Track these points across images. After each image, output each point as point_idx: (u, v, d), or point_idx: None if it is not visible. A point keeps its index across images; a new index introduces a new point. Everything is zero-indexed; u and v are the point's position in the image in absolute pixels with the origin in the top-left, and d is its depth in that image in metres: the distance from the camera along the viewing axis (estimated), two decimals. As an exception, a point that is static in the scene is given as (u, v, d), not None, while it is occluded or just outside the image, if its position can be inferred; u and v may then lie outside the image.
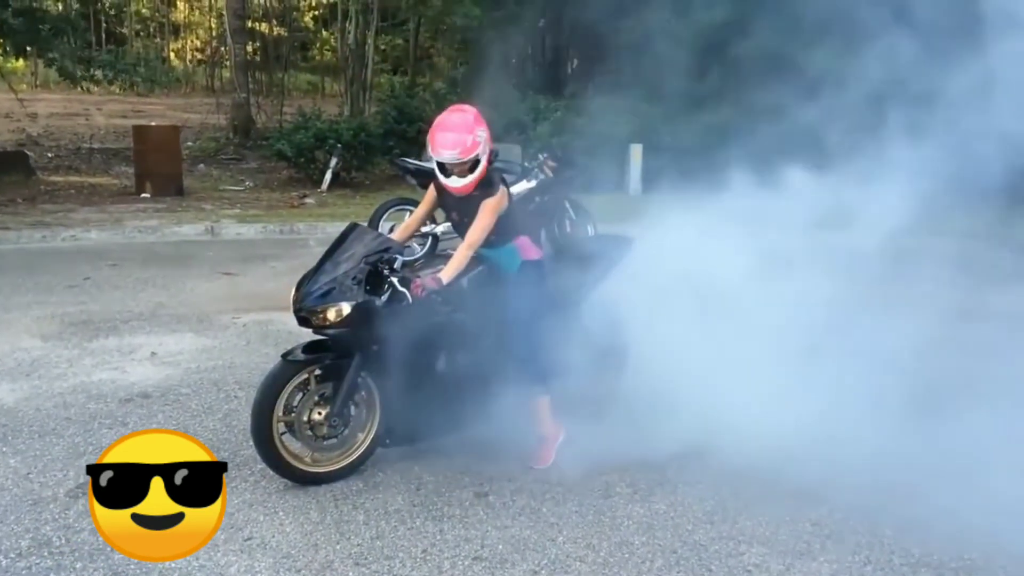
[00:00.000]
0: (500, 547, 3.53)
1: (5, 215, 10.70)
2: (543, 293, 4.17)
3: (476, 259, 4.11)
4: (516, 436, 4.30)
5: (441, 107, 16.14)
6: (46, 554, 3.36)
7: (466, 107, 4.02)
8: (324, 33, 32.78)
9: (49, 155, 17.51)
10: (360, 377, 3.91)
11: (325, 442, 3.94)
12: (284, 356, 3.89)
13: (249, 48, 31.94)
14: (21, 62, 24.53)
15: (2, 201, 11.71)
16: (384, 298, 3.79)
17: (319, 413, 3.87)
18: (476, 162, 3.82)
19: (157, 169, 12.59)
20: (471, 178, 3.84)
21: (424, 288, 3.74)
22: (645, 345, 4.75)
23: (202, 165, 16.44)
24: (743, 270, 4.80)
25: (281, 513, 3.76)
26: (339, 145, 13.73)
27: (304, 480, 3.95)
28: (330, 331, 3.80)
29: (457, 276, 3.92)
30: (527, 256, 4.17)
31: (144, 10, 37.04)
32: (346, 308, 3.73)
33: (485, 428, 4.26)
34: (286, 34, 31.38)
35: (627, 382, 4.73)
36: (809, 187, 5.17)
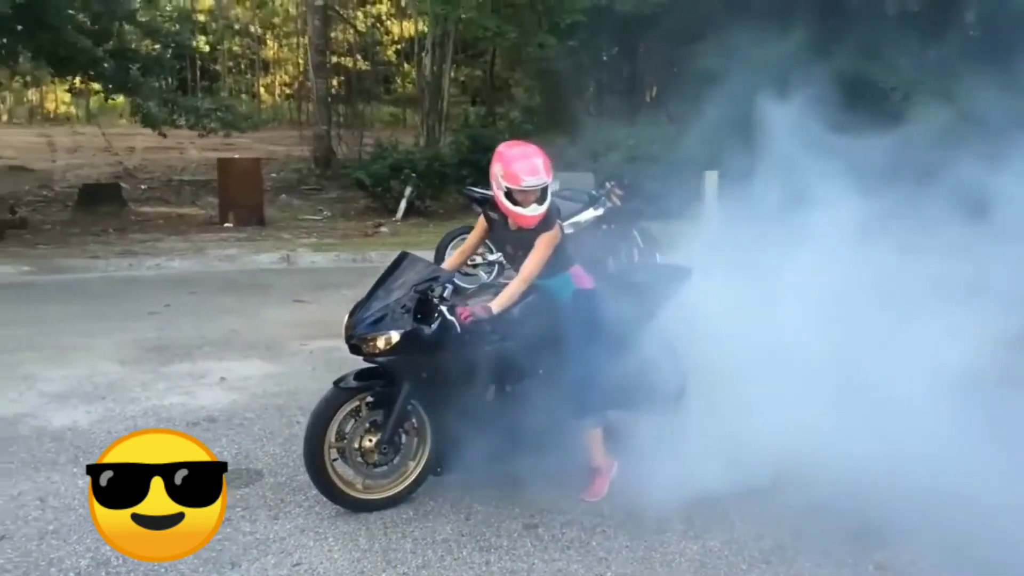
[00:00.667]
0: (546, 581, 3.48)
1: (96, 244, 11.22)
2: (596, 322, 4.13)
3: (528, 288, 4.11)
4: (569, 467, 4.25)
5: (515, 136, 16.26)
6: (103, 574, 3.46)
7: (530, 145, 4.07)
8: (406, 66, 33.58)
9: (142, 187, 18.31)
10: (410, 405, 3.93)
11: (376, 469, 3.96)
12: (336, 383, 3.94)
13: (334, 82, 33.10)
14: (122, 98, 25.68)
15: (95, 231, 12.30)
16: (434, 326, 3.81)
17: (370, 440, 3.90)
18: (545, 189, 3.85)
19: (240, 200, 13.04)
20: (544, 207, 3.87)
21: (473, 316, 3.75)
22: (708, 377, 4.65)
23: (284, 195, 16.96)
24: (811, 300, 4.67)
25: (331, 539, 3.78)
26: (414, 175, 13.99)
27: (355, 507, 3.98)
28: (380, 359, 3.84)
29: (508, 306, 3.94)
30: (580, 285, 4.15)
31: (236, 48, 38.66)
32: (395, 336, 3.76)
33: (538, 459, 4.21)
34: (368, 68, 32.37)
35: (687, 415, 4.61)
36: (885, 216, 5.02)
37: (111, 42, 11.61)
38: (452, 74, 20.22)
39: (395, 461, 3.99)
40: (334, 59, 34.41)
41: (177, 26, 15.73)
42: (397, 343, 3.76)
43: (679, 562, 3.64)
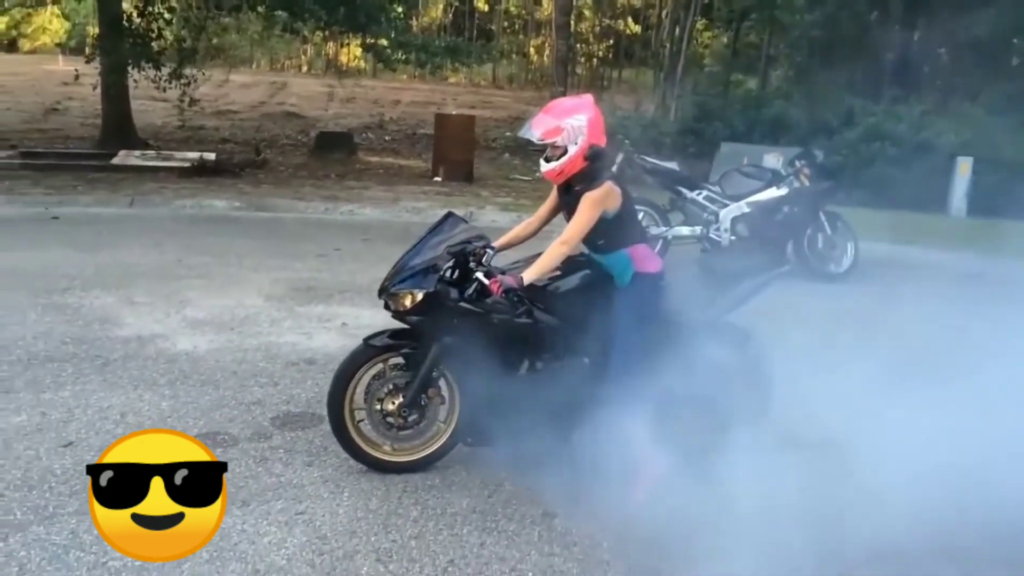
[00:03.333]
0: (529, 574, 3.23)
1: (311, 187, 12.00)
2: (653, 309, 3.77)
3: (583, 263, 3.83)
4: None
5: (749, 107, 15.12)
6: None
7: (584, 97, 3.82)
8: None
9: (387, 138, 19.40)
10: (436, 371, 3.79)
11: (401, 432, 3.87)
12: (367, 339, 3.87)
13: (601, 46, 33.47)
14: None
15: (319, 175, 13.18)
16: (470, 291, 3.63)
17: (392, 403, 3.81)
18: (565, 150, 3.61)
19: (451, 155, 13.39)
20: (554, 164, 3.68)
21: (502, 285, 3.52)
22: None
23: (508, 154, 17.25)
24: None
25: (346, 494, 3.75)
26: (626, 141, 13.61)
27: (378, 467, 3.91)
28: (409, 318, 3.72)
29: (550, 275, 3.70)
30: (642, 267, 3.77)
31: (513, 8, 40.11)
32: (419, 295, 3.63)
33: (588, 444, 3.90)
34: (640, 32, 32.25)
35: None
36: None
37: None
38: (694, 39, 19.45)
39: (421, 425, 3.88)
40: (606, 22, 34.79)
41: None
42: (421, 302, 3.63)
43: (688, 583, 3.24)
